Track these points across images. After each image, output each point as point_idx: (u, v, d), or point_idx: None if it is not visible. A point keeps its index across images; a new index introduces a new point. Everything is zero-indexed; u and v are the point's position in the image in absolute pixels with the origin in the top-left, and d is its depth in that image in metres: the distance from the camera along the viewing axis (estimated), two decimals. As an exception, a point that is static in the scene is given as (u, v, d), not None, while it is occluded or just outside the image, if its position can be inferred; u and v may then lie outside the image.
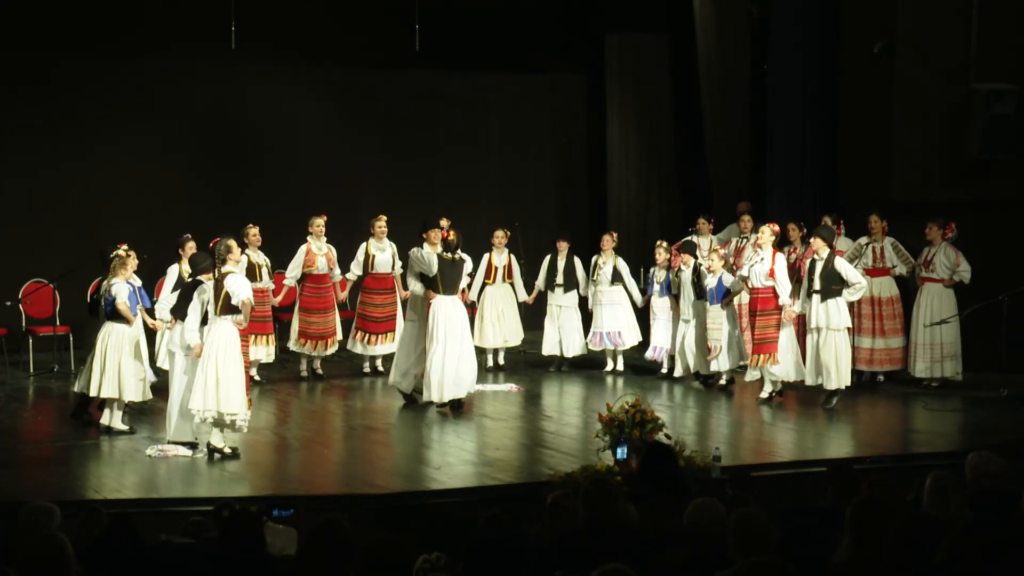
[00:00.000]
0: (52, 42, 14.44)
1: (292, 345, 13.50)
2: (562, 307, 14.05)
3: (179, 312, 10.23)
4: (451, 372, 11.58)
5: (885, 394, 12.64)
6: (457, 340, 11.67)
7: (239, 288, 9.74)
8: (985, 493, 5.90)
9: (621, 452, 8.82)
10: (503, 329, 14.07)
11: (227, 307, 9.76)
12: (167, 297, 10.95)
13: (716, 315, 12.61)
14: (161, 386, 11.06)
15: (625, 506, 5.96)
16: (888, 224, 13.02)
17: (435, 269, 11.62)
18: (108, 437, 10.58)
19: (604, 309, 13.78)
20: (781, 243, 12.83)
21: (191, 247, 11.80)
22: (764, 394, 12.07)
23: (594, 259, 13.88)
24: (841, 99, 14.09)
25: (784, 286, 11.87)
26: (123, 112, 15.10)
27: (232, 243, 10.13)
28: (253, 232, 12.78)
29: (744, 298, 12.49)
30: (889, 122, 13.52)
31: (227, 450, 9.85)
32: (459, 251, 11.83)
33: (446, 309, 11.69)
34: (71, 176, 14.96)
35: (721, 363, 12.59)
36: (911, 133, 13.44)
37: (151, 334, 11.52)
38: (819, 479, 8.89)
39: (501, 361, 14.32)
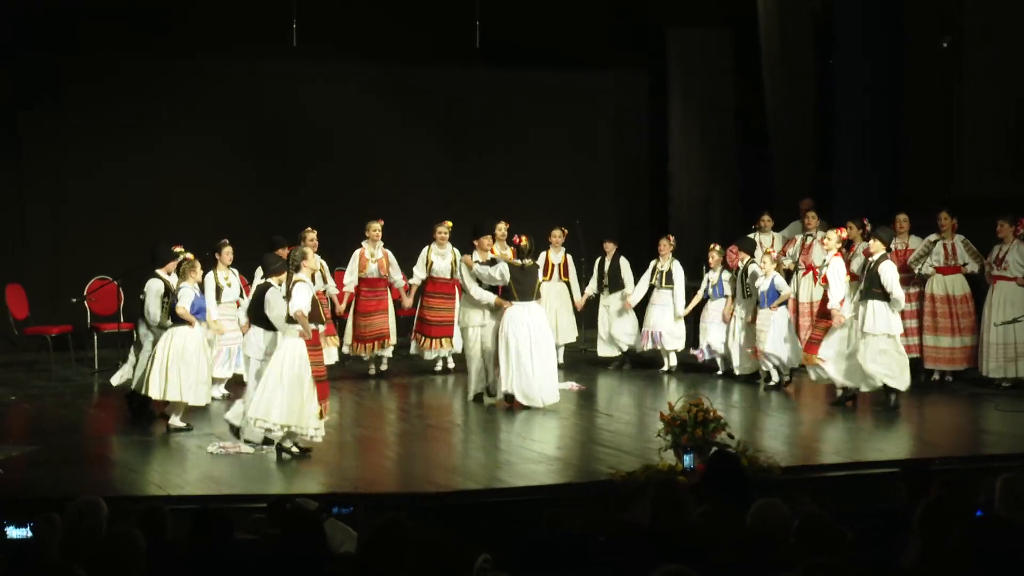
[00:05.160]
0: (111, 42, 14.54)
1: (346, 349, 13.54)
2: (609, 307, 14.06)
3: (253, 316, 10.23)
4: (536, 380, 11.53)
5: (954, 394, 12.48)
6: (542, 347, 11.59)
7: (295, 299, 9.64)
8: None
9: (689, 460, 8.76)
10: (556, 327, 13.88)
11: (291, 316, 9.70)
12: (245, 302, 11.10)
13: (765, 318, 12.52)
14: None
15: (690, 507, 5.91)
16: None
17: (508, 277, 11.56)
18: (170, 434, 10.67)
19: (654, 309, 13.76)
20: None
21: (227, 252, 12.02)
22: (839, 395, 11.84)
23: (652, 264, 13.87)
24: (906, 94, 13.92)
25: (836, 290, 11.65)
26: (182, 111, 15.20)
27: (308, 251, 10.17)
28: (311, 236, 12.75)
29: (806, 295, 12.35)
30: (956, 116, 13.36)
31: (295, 450, 9.82)
32: (530, 257, 11.77)
33: (520, 317, 11.59)
34: (132, 175, 15.08)
35: (768, 363, 12.51)
36: (978, 128, 13.26)
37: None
38: (882, 480, 8.95)
39: (560, 359, 14.21)
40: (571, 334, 14.27)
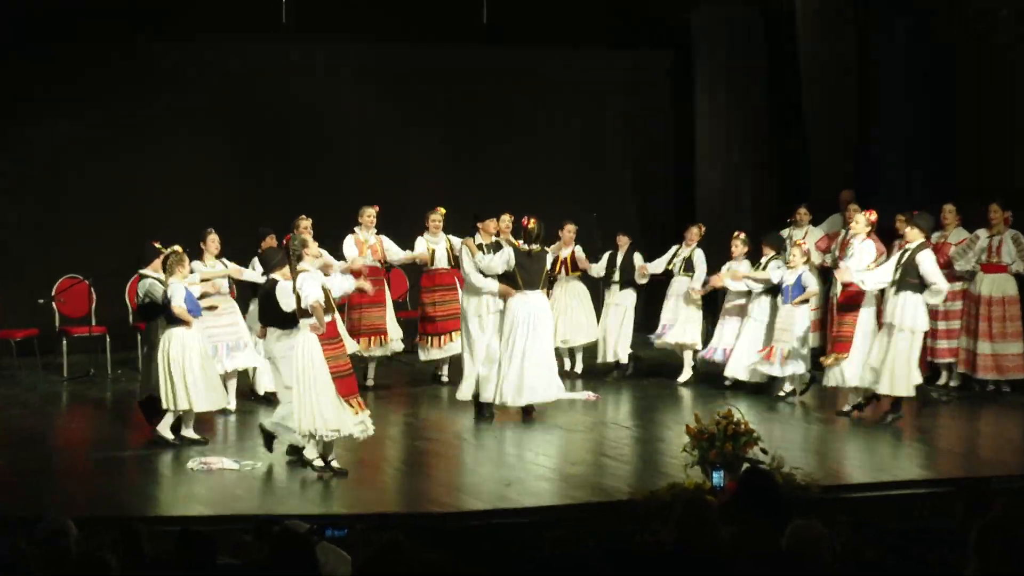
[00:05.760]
0: (84, 29, 14.61)
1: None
2: (617, 306, 14.03)
3: (267, 318, 10.22)
4: (529, 375, 11.56)
5: (1009, 405, 12.45)
6: (539, 341, 11.64)
7: (308, 289, 9.64)
8: None
9: (718, 478, 8.75)
10: (567, 326, 14.00)
11: (303, 310, 9.70)
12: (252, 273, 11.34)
13: (787, 315, 12.48)
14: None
15: (720, 528, 5.89)
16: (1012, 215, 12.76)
17: (513, 263, 11.56)
18: (151, 449, 10.64)
19: (670, 300, 13.79)
20: (889, 236, 12.73)
21: (213, 240, 12.05)
22: (847, 406, 11.88)
23: (673, 248, 13.86)
24: (957, 76, 13.86)
25: (857, 264, 11.62)
26: (160, 97, 15.26)
27: (307, 238, 10.17)
28: (305, 224, 12.77)
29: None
30: (1012, 101, 13.29)
31: (335, 464, 9.82)
32: (539, 242, 11.76)
33: (525, 307, 11.62)
34: (105, 166, 15.14)
35: (785, 368, 12.45)
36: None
37: None
38: (932, 500, 8.91)
39: (579, 367, 14.27)
40: (585, 333, 14.17)
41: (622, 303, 14.00)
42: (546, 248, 11.84)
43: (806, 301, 12.48)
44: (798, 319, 12.41)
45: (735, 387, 13.01)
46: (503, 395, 11.64)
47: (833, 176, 15.29)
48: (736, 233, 13.49)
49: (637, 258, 13.93)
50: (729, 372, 12.88)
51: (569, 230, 14.06)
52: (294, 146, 15.84)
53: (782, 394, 12.54)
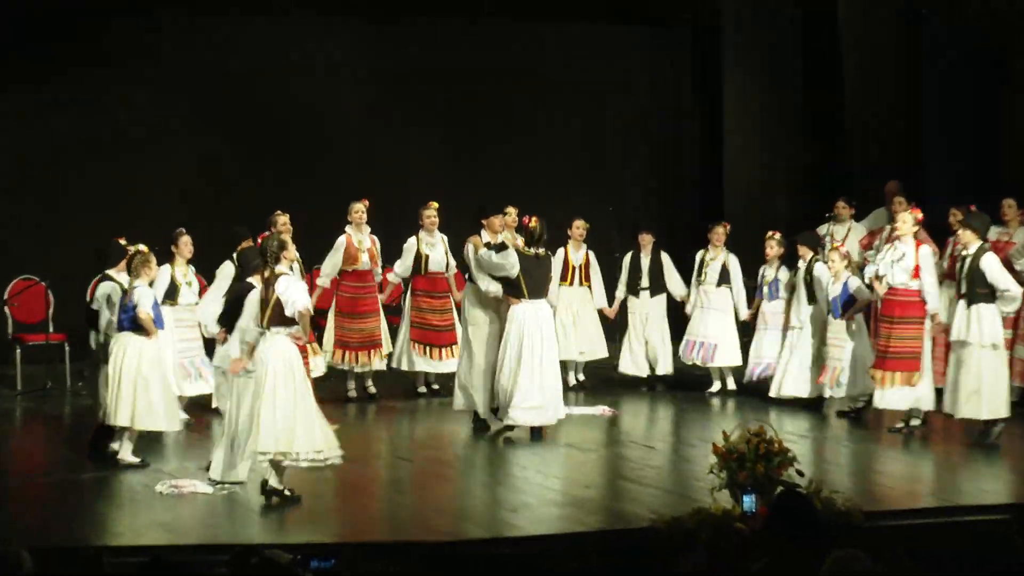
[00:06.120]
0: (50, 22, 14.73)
1: (327, 360, 13.51)
2: (648, 316, 14.05)
3: (230, 324, 10.22)
4: (536, 392, 11.58)
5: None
6: (548, 355, 11.68)
7: (295, 295, 9.58)
8: None
9: (749, 502, 8.70)
10: (579, 339, 14.04)
11: (279, 318, 9.65)
12: (213, 299, 11.07)
13: (838, 330, 12.48)
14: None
15: (750, 559, 5.89)
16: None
17: (516, 269, 11.56)
18: (114, 471, 10.62)
19: (705, 315, 13.79)
20: (942, 233, 12.72)
21: (186, 243, 12.09)
22: (899, 423, 11.90)
23: (700, 254, 13.89)
24: (1009, 53, 13.86)
25: (932, 287, 11.68)
26: (124, 74, 15.41)
27: (286, 239, 10.19)
28: (283, 221, 12.80)
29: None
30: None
31: (288, 492, 9.73)
32: (543, 244, 11.79)
33: (532, 316, 11.65)
34: (67, 157, 15.19)
35: (843, 388, 12.47)
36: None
37: None
38: (990, 529, 8.83)
39: (581, 377, 14.32)
40: (596, 349, 14.27)
41: (654, 312, 14.08)
42: (550, 253, 11.92)
43: (859, 311, 12.46)
44: (851, 333, 12.43)
45: (777, 402, 13.08)
46: (509, 413, 11.65)
47: (878, 166, 15.29)
48: (770, 233, 13.50)
49: (668, 269, 13.96)
50: (784, 392, 12.92)
51: (579, 227, 14.07)
52: (278, 136, 16.01)
53: (847, 411, 12.61)
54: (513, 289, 11.66)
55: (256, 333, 9.66)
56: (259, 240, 10.52)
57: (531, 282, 11.65)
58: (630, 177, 17.38)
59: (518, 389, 11.57)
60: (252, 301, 9.77)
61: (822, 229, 13.89)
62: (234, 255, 11.56)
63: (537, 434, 11.76)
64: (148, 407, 10.63)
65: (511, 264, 11.56)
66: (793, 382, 12.85)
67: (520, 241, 11.96)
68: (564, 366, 13.39)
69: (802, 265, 12.90)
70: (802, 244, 13.06)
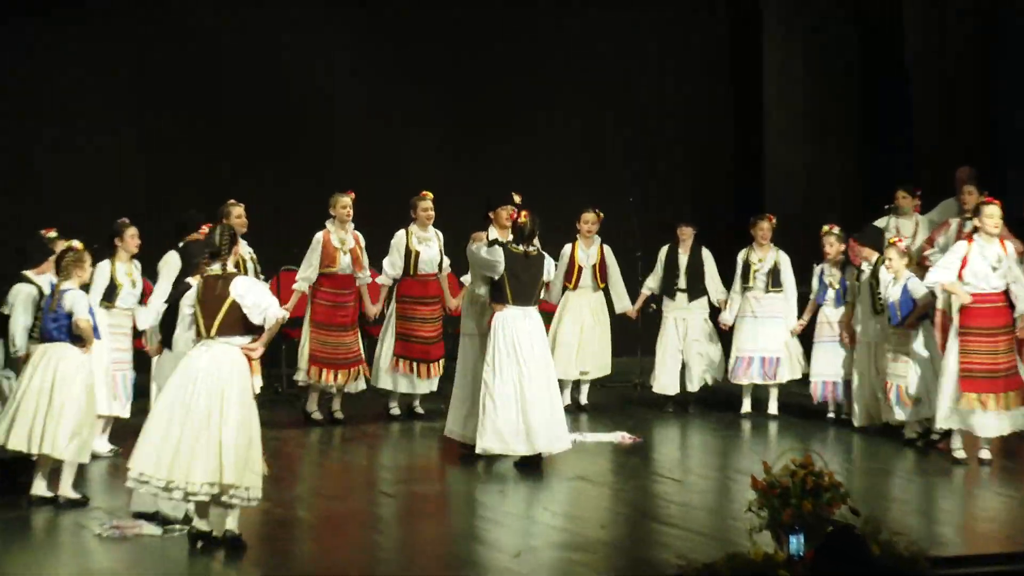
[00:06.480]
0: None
1: (300, 377, 13.53)
2: (687, 322, 14.02)
3: (167, 336, 10.08)
4: (514, 415, 11.49)
5: None
6: (539, 371, 11.60)
7: (264, 299, 9.38)
8: None
9: (796, 544, 8.55)
10: (583, 354, 14.07)
11: (230, 326, 9.38)
12: (161, 295, 11.01)
13: (900, 341, 12.41)
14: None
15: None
16: None
17: (501, 268, 11.54)
18: (45, 509, 10.42)
19: (759, 325, 13.78)
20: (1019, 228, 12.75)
21: (132, 236, 11.93)
22: (984, 453, 11.87)
23: (744, 254, 13.93)
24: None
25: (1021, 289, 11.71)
26: (57, 29, 15.44)
27: (236, 232, 10.08)
28: (237, 212, 12.78)
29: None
30: None
31: (216, 534, 9.48)
32: (535, 242, 11.76)
33: (517, 326, 11.60)
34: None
35: (912, 411, 12.38)
36: None
37: None
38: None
39: (584, 399, 14.30)
40: (600, 365, 14.29)
41: (693, 317, 14.05)
42: (542, 252, 11.87)
43: (924, 318, 12.41)
44: (915, 344, 12.35)
45: (840, 422, 13.35)
46: (485, 441, 11.57)
47: (947, 150, 15.35)
48: (827, 227, 13.52)
49: (710, 268, 14.00)
50: (858, 420, 12.93)
51: (588, 221, 14.01)
52: (241, 114, 16.07)
53: (914, 438, 12.53)
54: (497, 293, 11.64)
55: (192, 345, 9.45)
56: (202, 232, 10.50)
57: (517, 285, 11.64)
58: (655, 162, 17.59)
59: (494, 409, 11.51)
60: (187, 304, 9.53)
61: (880, 222, 13.89)
62: (180, 244, 11.64)
63: (527, 466, 11.63)
64: (55, 430, 10.40)
65: (496, 262, 11.56)
66: (858, 408, 12.88)
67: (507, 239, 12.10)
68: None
69: (867, 268, 12.86)
70: (864, 243, 13.04)
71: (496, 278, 11.58)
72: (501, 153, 16.67)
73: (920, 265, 13.10)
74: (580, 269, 14.05)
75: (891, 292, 12.41)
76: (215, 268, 9.47)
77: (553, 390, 11.76)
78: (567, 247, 13.99)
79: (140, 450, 9.33)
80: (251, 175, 15.18)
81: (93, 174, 15.29)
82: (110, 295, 11.90)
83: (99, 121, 15.55)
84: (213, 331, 9.33)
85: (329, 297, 13.43)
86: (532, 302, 11.70)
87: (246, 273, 12.56)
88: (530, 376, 11.55)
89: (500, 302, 11.59)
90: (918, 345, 12.36)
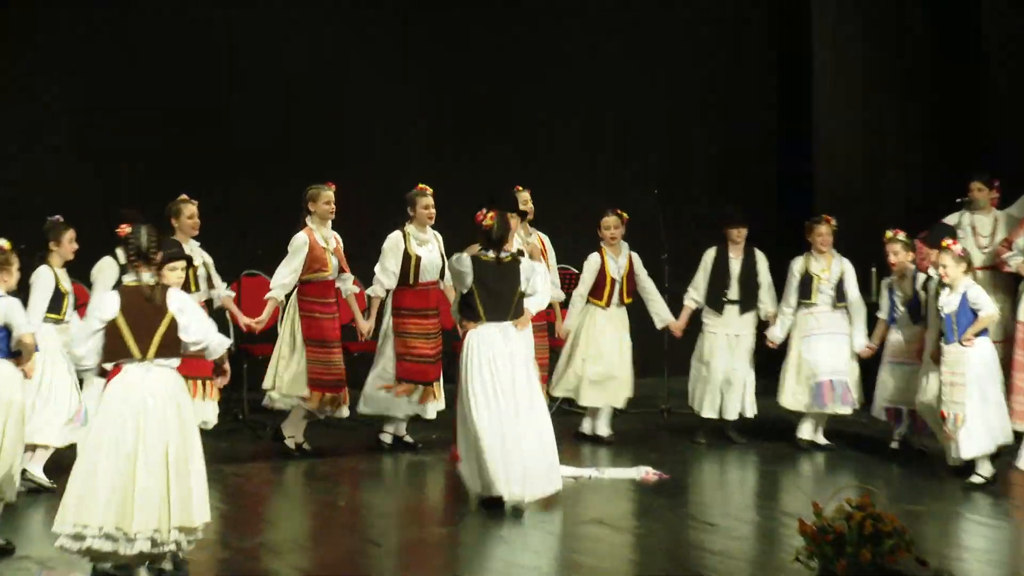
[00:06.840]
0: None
1: (276, 397, 13.35)
2: (739, 337, 13.95)
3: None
4: (514, 456, 11.26)
5: None
6: (517, 396, 11.38)
7: (200, 323, 9.16)
8: None
9: None
10: (613, 382, 13.96)
11: (169, 346, 9.10)
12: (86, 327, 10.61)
13: (956, 359, 12.14)
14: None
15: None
16: None
17: (469, 280, 11.43)
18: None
19: (823, 344, 13.69)
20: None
21: (70, 239, 11.88)
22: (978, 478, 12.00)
23: (801, 264, 13.77)
24: None
25: None
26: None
27: (154, 236, 9.65)
28: (189, 211, 12.69)
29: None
30: None
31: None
32: (513, 244, 11.75)
33: (494, 343, 11.42)
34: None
35: (970, 444, 12.14)
36: None
37: None
38: None
39: (602, 431, 14.17)
40: (621, 392, 14.17)
41: (744, 332, 13.99)
42: (518, 257, 11.73)
43: (983, 332, 12.26)
44: (974, 362, 12.13)
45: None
46: (465, 482, 11.51)
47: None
48: (891, 233, 13.30)
49: (765, 275, 13.92)
50: (964, 453, 12.41)
51: (609, 226, 13.86)
52: (207, 103, 16.26)
53: (977, 481, 12.27)
54: (467, 308, 11.52)
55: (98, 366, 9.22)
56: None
57: (488, 298, 11.48)
58: (686, 153, 17.71)
59: (476, 449, 11.31)
60: (101, 318, 9.14)
61: (952, 219, 13.80)
62: (116, 249, 11.61)
63: (518, 513, 11.31)
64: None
65: (461, 272, 11.48)
66: (976, 438, 12.35)
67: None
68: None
69: (934, 274, 12.65)
70: (932, 245, 12.81)
71: (464, 291, 11.44)
72: (500, 153, 16.78)
73: (997, 270, 13.04)
74: (613, 283, 13.86)
75: (946, 303, 12.18)
76: (146, 277, 9.12)
77: (539, 420, 11.49)
78: (594, 258, 13.79)
79: (72, 497, 9.01)
80: (202, 172, 15.09)
81: (21, 168, 15.42)
82: (56, 306, 11.78)
83: (43, 116, 15.67)
84: (151, 352, 9.01)
85: (319, 308, 13.28)
86: (509, 316, 11.50)
87: (199, 282, 12.67)
88: (509, 404, 11.32)
89: (471, 319, 11.47)
90: (974, 361, 12.12)
